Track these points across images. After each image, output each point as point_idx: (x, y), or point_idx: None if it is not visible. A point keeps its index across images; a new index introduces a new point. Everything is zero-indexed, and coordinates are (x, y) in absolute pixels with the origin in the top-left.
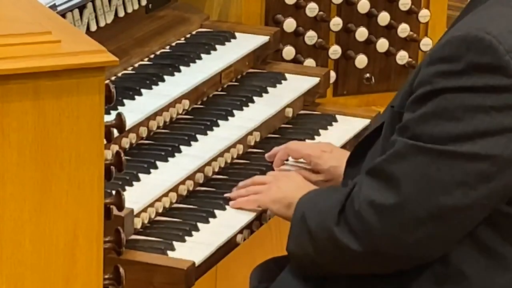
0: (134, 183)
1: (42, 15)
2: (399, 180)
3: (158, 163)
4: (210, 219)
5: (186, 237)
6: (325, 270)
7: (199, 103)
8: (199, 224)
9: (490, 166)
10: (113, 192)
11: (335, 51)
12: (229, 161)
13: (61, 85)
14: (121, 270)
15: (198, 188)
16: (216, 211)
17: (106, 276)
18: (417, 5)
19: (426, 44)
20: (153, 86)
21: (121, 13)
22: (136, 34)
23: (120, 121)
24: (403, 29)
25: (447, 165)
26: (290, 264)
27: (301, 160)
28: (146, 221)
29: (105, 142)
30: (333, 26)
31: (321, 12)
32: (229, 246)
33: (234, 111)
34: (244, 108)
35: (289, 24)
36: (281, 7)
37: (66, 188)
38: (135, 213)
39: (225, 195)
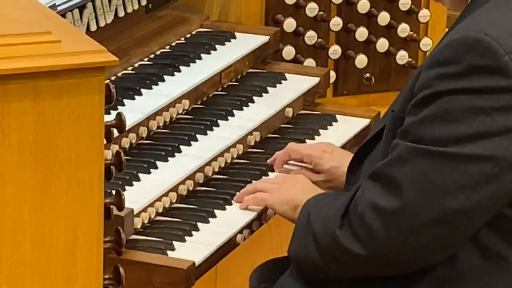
0: (134, 183)
1: (42, 15)
2: (401, 184)
3: (158, 163)
4: (210, 219)
5: (186, 237)
6: (327, 274)
7: (199, 103)
8: (199, 224)
9: (492, 168)
10: (113, 192)
11: (335, 51)
12: (229, 161)
13: (61, 85)
14: (121, 270)
15: (198, 188)
16: (216, 211)
17: (106, 276)
18: (417, 5)
19: (426, 44)
20: (153, 86)
21: (121, 13)
22: (136, 34)
23: (120, 121)
24: (403, 29)
25: (449, 168)
26: (292, 267)
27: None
28: (146, 221)
29: (105, 142)
30: (333, 26)
31: (321, 12)
32: (229, 246)
33: (234, 111)
34: (244, 108)
35: (289, 24)
36: (281, 7)
37: (66, 188)
38: (135, 213)
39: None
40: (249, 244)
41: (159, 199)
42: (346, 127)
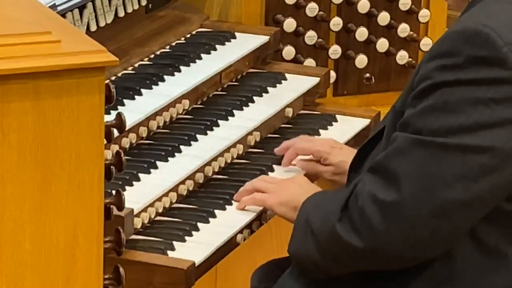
0: (134, 183)
1: (42, 15)
2: (400, 176)
3: (158, 163)
4: (210, 219)
5: (186, 237)
6: (326, 271)
7: (199, 103)
8: (199, 224)
9: (491, 159)
10: (113, 192)
11: (335, 51)
12: (229, 161)
13: (61, 85)
14: (121, 270)
15: (198, 188)
16: (216, 211)
17: (106, 276)
18: (417, 5)
19: (426, 44)
20: (153, 86)
21: (121, 13)
22: (136, 34)
23: (120, 121)
24: (403, 29)
25: (448, 159)
26: (292, 266)
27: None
28: (146, 221)
29: (105, 142)
30: (333, 26)
31: (321, 12)
32: (229, 246)
33: (234, 111)
34: (244, 108)
35: (289, 24)
36: (281, 7)
37: (66, 188)
38: (135, 213)
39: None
40: (249, 244)
41: (159, 199)
42: (346, 127)
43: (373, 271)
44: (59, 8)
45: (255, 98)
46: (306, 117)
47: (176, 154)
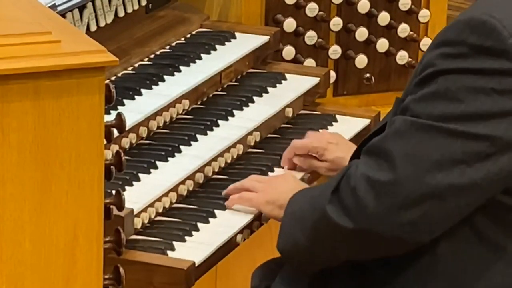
0: (134, 183)
1: (42, 15)
2: (395, 157)
3: (158, 163)
4: (210, 219)
5: (186, 237)
6: (315, 260)
7: (199, 103)
8: (199, 224)
9: (489, 147)
10: (113, 192)
11: (335, 51)
12: (229, 161)
13: (61, 85)
14: (121, 270)
15: (198, 188)
16: (216, 211)
17: (106, 276)
18: (417, 5)
19: (426, 44)
20: (153, 86)
21: (121, 13)
22: (136, 34)
23: (120, 121)
24: (403, 29)
25: (445, 143)
26: (281, 272)
27: None
28: (146, 221)
29: (105, 142)
30: (333, 26)
31: (321, 12)
32: (229, 246)
33: (234, 111)
34: (244, 108)
35: (289, 24)
36: (281, 7)
37: (66, 188)
38: (135, 213)
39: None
40: (249, 244)
41: (159, 199)
42: (346, 127)
43: (368, 267)
44: (59, 8)
45: (255, 98)
46: (306, 117)
47: (176, 154)
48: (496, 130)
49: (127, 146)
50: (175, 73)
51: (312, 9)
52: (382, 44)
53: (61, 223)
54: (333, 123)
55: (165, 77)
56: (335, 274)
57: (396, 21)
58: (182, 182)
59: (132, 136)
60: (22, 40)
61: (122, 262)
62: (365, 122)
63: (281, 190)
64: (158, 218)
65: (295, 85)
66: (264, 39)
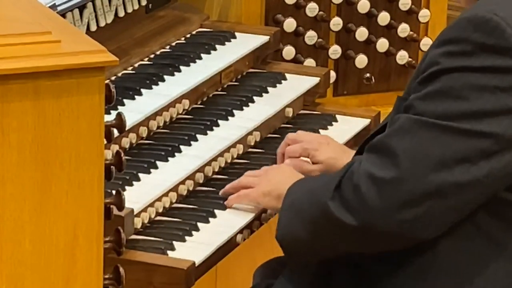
0: (134, 183)
1: (42, 15)
2: (399, 154)
3: (158, 163)
4: (210, 219)
5: (186, 237)
6: (316, 253)
7: (199, 103)
8: (199, 224)
9: (492, 144)
10: (113, 192)
11: (335, 51)
12: (229, 161)
13: (61, 85)
14: (121, 270)
15: (198, 188)
16: (216, 211)
17: (106, 276)
18: (417, 5)
19: (426, 44)
20: (153, 86)
21: (121, 13)
22: (136, 34)
23: (120, 121)
24: (403, 29)
25: (449, 141)
26: (284, 272)
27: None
28: (146, 221)
29: (105, 142)
30: (333, 26)
31: (321, 12)
32: (229, 246)
33: (234, 111)
34: (244, 108)
35: (289, 24)
36: (281, 7)
37: (66, 188)
38: (135, 213)
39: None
40: (249, 244)
41: (159, 199)
42: (346, 127)
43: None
44: (59, 8)
45: (255, 98)
46: (306, 117)
47: (176, 154)
48: (500, 128)
49: (127, 146)
50: (175, 73)
51: (312, 9)
52: (382, 44)
53: (61, 223)
54: (333, 123)
55: (165, 77)
56: (336, 272)
57: (396, 21)
58: (182, 182)
59: (132, 136)
60: (22, 40)
61: (122, 262)
62: (365, 122)
63: (276, 180)
64: (158, 218)
65: (295, 85)
66: (264, 39)
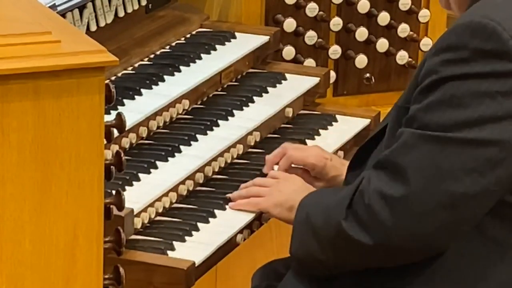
0: (134, 183)
1: (42, 15)
2: (407, 170)
3: (158, 163)
4: (210, 219)
5: (186, 237)
6: (330, 268)
7: (199, 103)
8: (199, 224)
9: (498, 152)
10: (113, 192)
11: (335, 51)
12: (229, 161)
13: (61, 85)
14: (121, 270)
15: (198, 188)
16: (216, 211)
17: (106, 276)
18: (417, 5)
19: (426, 44)
20: (153, 86)
21: (121, 13)
22: (136, 34)
23: (120, 121)
24: (403, 29)
25: (455, 152)
26: (293, 266)
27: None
28: (146, 221)
29: (105, 142)
30: (333, 26)
31: (321, 12)
32: (229, 246)
33: (234, 111)
34: (244, 108)
35: (289, 24)
36: (281, 7)
37: (66, 188)
38: (135, 213)
39: (227, 195)
40: (249, 244)
41: (159, 199)
42: (346, 127)
43: (376, 269)
44: (59, 8)
45: (255, 98)
46: (306, 117)
47: (176, 154)
48: (504, 134)
49: (127, 146)
50: (175, 73)
51: (312, 9)
52: (382, 44)
53: (61, 223)
54: (333, 123)
55: (165, 77)
56: (341, 276)
57: (396, 21)
58: (182, 182)
59: (132, 136)
60: (22, 40)
61: (122, 262)
62: (365, 122)
63: (288, 192)
64: (158, 218)
65: (295, 85)
66: (264, 39)
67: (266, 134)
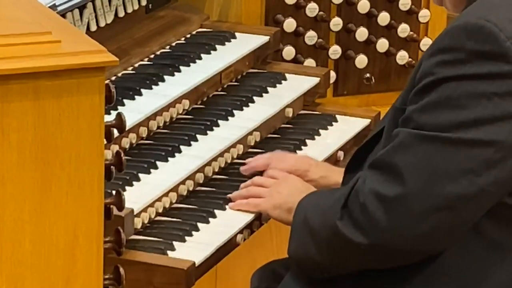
0: (134, 183)
1: (42, 15)
2: (403, 171)
3: (158, 163)
4: (210, 219)
5: (186, 237)
6: (328, 270)
7: (199, 103)
8: (199, 224)
9: (495, 153)
10: (113, 192)
11: (335, 51)
12: (229, 161)
13: (61, 85)
14: (121, 270)
15: (198, 188)
16: (216, 211)
17: (106, 276)
18: (417, 5)
19: (426, 44)
20: (153, 86)
21: (121, 13)
22: (136, 34)
23: (120, 121)
24: (403, 29)
25: (451, 153)
26: (292, 267)
27: None
28: (146, 221)
29: (105, 142)
30: (333, 26)
31: (321, 12)
32: (229, 246)
33: (234, 111)
34: (244, 108)
35: (289, 24)
36: (281, 7)
37: (66, 188)
38: (135, 213)
39: (228, 196)
40: (249, 244)
41: (159, 199)
42: (346, 127)
43: (375, 271)
44: (59, 8)
45: (255, 98)
46: (306, 117)
47: (176, 154)
48: (500, 135)
49: (127, 146)
50: (175, 73)
51: (312, 9)
52: (382, 44)
53: (61, 223)
54: (333, 123)
55: (165, 77)
56: (339, 278)
57: (396, 21)
58: (182, 182)
59: (132, 136)
60: (22, 40)
61: (122, 262)
62: (365, 122)
63: (287, 193)
64: (158, 218)
65: (295, 85)
66: (264, 39)
67: (266, 134)
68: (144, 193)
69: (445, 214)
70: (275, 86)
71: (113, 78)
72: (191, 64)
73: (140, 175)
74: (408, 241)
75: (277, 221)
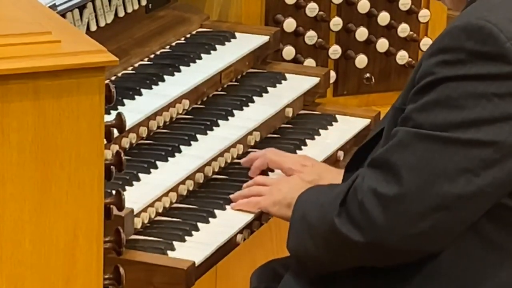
0: (134, 183)
1: (42, 15)
2: (401, 169)
3: (158, 163)
4: (210, 219)
5: (186, 237)
6: (325, 266)
7: (199, 103)
8: (199, 224)
9: (493, 153)
10: (113, 192)
11: (335, 51)
12: (229, 161)
13: (61, 85)
14: (121, 270)
15: (198, 188)
16: (216, 211)
17: (106, 276)
18: (417, 5)
19: (426, 44)
20: (153, 86)
21: (121, 13)
22: (136, 34)
23: (120, 121)
24: (403, 29)
25: (450, 152)
26: (292, 266)
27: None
28: (146, 221)
29: (105, 142)
30: (333, 26)
31: (321, 12)
32: (229, 246)
33: (234, 111)
34: (244, 108)
35: (289, 24)
36: (281, 7)
37: (66, 188)
38: (135, 213)
39: (229, 196)
40: (249, 244)
41: (159, 199)
42: (346, 127)
43: (373, 267)
44: (59, 8)
45: (255, 98)
46: (306, 117)
47: (176, 154)
48: (499, 135)
49: (127, 146)
50: (175, 73)
51: (312, 9)
52: (382, 44)
53: (61, 223)
54: (333, 123)
55: (165, 77)
56: (339, 278)
57: (396, 21)
58: (182, 182)
59: (132, 136)
60: (22, 40)
61: (122, 262)
62: (365, 122)
63: (286, 190)
64: (158, 218)
65: (295, 85)
66: (264, 39)
67: (266, 134)
68: (144, 193)
69: (443, 214)
70: (275, 86)
71: (113, 78)
72: (191, 64)
73: (140, 175)
74: (405, 240)
75: (277, 218)
